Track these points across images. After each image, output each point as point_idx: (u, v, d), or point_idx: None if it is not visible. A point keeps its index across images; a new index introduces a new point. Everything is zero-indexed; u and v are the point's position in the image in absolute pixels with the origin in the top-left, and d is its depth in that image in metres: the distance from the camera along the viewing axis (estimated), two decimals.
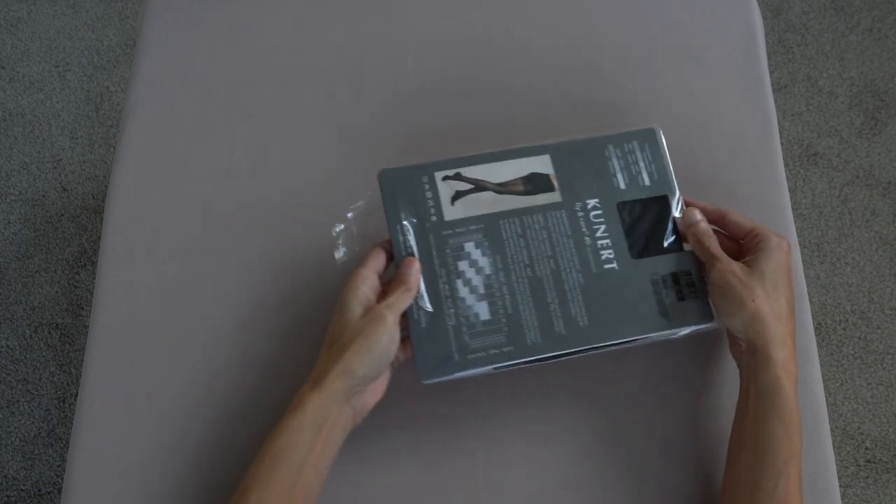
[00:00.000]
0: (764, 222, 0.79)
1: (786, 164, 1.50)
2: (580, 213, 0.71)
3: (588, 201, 0.72)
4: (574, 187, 0.72)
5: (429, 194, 0.72)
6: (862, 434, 1.35)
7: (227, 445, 0.72)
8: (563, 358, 0.68)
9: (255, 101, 0.87)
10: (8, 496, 1.34)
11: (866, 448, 1.34)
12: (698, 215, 0.71)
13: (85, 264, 1.50)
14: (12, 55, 1.69)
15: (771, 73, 0.92)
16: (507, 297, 0.68)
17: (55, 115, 1.63)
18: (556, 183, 0.72)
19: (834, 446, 0.74)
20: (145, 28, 0.92)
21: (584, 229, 0.70)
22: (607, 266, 0.69)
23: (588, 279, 0.69)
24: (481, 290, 0.69)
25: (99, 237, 1.00)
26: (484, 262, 0.69)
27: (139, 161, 0.85)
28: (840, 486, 0.69)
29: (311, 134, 0.85)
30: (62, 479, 0.75)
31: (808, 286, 0.78)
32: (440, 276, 0.69)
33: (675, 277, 0.70)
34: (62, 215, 1.54)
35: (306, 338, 0.75)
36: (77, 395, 0.77)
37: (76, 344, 1.44)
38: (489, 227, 0.71)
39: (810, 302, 0.77)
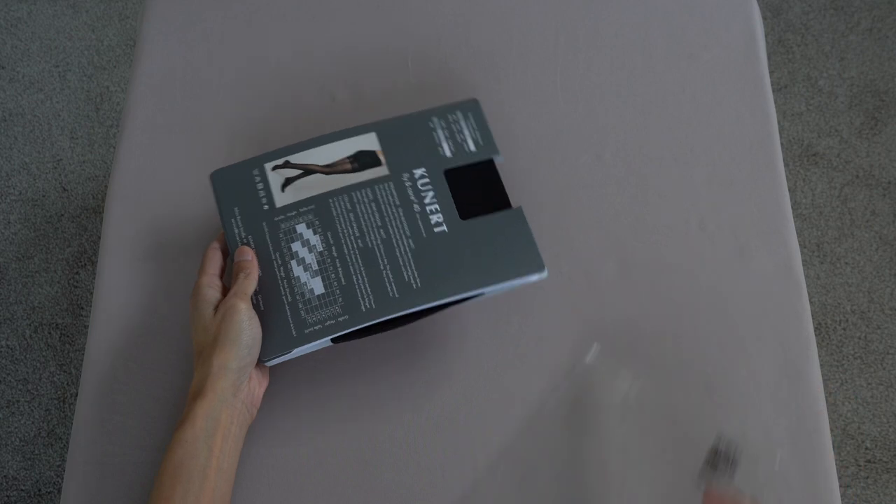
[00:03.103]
0: (764, 222, 0.80)
1: (786, 164, 1.50)
2: (408, 184, 0.73)
3: (415, 171, 0.74)
4: (401, 160, 0.75)
5: (259, 185, 0.74)
6: (862, 434, 1.35)
7: None
8: (406, 324, 0.69)
9: (255, 101, 0.87)
10: (8, 496, 1.34)
11: (866, 448, 1.34)
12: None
13: (85, 264, 1.50)
14: (12, 55, 1.69)
15: (771, 73, 0.92)
16: (339, 270, 0.70)
17: (55, 115, 1.63)
18: (382, 158, 0.75)
19: (834, 446, 0.74)
20: (145, 28, 0.92)
21: (412, 198, 0.73)
22: (437, 230, 0.71)
23: (419, 244, 0.71)
24: (315, 267, 0.70)
25: (99, 237, 1.00)
26: (315, 240, 0.71)
27: (139, 161, 0.85)
28: (840, 486, 0.69)
29: (311, 134, 0.85)
30: (62, 479, 0.75)
31: (808, 286, 0.78)
32: (275, 259, 0.71)
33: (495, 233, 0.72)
34: (62, 215, 1.54)
35: None
36: (77, 395, 0.77)
37: (76, 344, 1.44)
38: (319, 207, 0.73)
39: (810, 302, 0.77)
